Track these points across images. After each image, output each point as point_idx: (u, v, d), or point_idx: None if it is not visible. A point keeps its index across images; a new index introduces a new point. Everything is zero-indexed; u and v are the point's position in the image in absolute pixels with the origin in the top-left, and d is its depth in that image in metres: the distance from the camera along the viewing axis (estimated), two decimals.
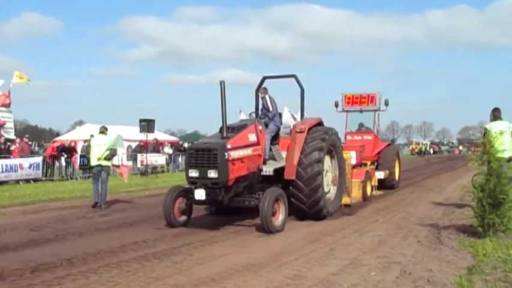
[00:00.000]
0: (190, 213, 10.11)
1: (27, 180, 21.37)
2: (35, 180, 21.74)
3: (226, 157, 9.07)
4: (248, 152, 9.78)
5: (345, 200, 12.51)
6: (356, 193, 13.53)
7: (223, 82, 9.38)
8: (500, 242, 7.62)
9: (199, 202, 9.54)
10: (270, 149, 10.81)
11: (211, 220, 10.50)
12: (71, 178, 23.71)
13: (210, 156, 9.13)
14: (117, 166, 17.41)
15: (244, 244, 8.32)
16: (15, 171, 20.99)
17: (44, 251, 7.87)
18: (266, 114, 11.16)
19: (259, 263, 6.86)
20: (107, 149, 13.02)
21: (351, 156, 14.79)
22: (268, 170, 10.41)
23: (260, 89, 11.54)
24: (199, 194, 9.22)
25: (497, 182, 7.94)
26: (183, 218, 9.93)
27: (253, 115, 11.62)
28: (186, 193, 9.76)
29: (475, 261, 6.66)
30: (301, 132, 10.76)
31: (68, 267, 6.74)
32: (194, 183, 9.39)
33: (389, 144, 19.27)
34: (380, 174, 16.35)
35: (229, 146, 9.20)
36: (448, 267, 6.36)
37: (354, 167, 15.45)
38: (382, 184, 16.66)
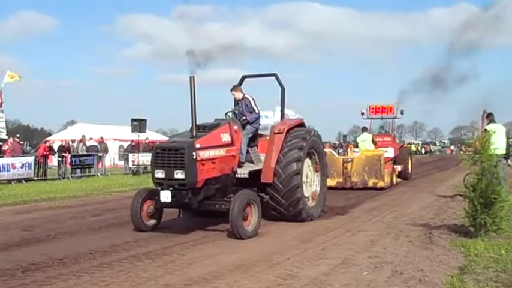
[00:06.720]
0: (160, 217, 9.59)
1: (19, 180, 21.26)
2: (27, 179, 21.65)
3: (195, 157, 8.53)
4: (220, 152, 9.23)
5: (380, 183, 17.38)
6: (387, 179, 18.16)
7: (193, 78, 8.91)
8: (491, 241, 7.67)
9: (165, 205, 8.94)
10: (248, 152, 10.19)
11: (202, 220, 10.46)
12: (63, 178, 23.65)
13: (177, 156, 8.57)
14: None
15: (235, 244, 8.29)
16: (7, 170, 20.91)
17: (36, 250, 7.83)
18: (243, 115, 10.26)
19: (251, 262, 6.85)
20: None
21: (389, 151, 20.89)
22: (243, 172, 9.78)
23: (236, 88, 10.56)
24: (165, 196, 8.62)
25: (489, 182, 7.98)
26: (152, 221, 9.38)
27: (230, 114, 10.61)
28: (154, 195, 9.14)
29: (467, 261, 6.69)
30: (280, 133, 10.30)
31: (60, 267, 6.71)
32: (160, 184, 8.80)
33: (402, 145, 25.99)
34: (398, 168, 21.33)
35: (198, 145, 8.67)
36: (440, 267, 6.39)
37: (389, 160, 20.86)
38: (399, 175, 21.52)
